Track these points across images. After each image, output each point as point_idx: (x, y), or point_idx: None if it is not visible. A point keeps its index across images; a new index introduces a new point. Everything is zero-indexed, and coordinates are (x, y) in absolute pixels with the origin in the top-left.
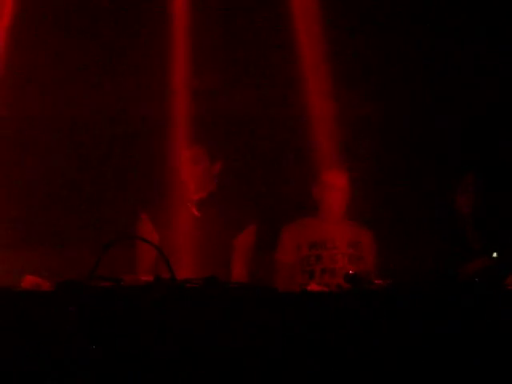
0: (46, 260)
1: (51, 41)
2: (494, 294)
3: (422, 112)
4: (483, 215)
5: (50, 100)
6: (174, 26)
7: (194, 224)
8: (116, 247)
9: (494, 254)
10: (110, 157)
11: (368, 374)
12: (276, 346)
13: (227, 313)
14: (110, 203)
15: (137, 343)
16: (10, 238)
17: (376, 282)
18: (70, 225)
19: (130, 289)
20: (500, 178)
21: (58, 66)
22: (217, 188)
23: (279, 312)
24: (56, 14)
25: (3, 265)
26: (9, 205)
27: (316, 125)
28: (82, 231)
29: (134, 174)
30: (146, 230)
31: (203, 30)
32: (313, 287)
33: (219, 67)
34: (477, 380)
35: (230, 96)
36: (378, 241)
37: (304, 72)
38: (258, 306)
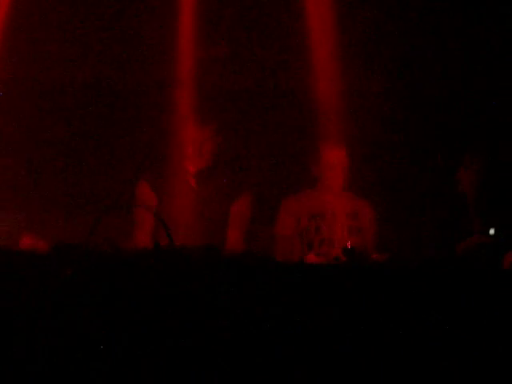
0: (45, 224)
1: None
2: (488, 272)
3: (428, 88)
4: (484, 195)
5: (51, 64)
6: None
7: (192, 194)
8: (114, 214)
9: (491, 231)
10: (111, 123)
11: (360, 346)
12: (271, 317)
13: (225, 281)
14: (110, 170)
15: (133, 310)
16: (9, 201)
17: (373, 256)
18: (69, 191)
19: (129, 254)
20: (503, 158)
21: (67, 28)
22: (216, 160)
23: (276, 281)
24: None
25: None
26: (8, 168)
27: (321, 98)
28: (83, 198)
29: (135, 141)
30: (145, 194)
31: None
32: (311, 258)
33: (226, 37)
34: (471, 359)
35: (233, 67)
36: (377, 214)
37: (313, 43)
38: (255, 275)
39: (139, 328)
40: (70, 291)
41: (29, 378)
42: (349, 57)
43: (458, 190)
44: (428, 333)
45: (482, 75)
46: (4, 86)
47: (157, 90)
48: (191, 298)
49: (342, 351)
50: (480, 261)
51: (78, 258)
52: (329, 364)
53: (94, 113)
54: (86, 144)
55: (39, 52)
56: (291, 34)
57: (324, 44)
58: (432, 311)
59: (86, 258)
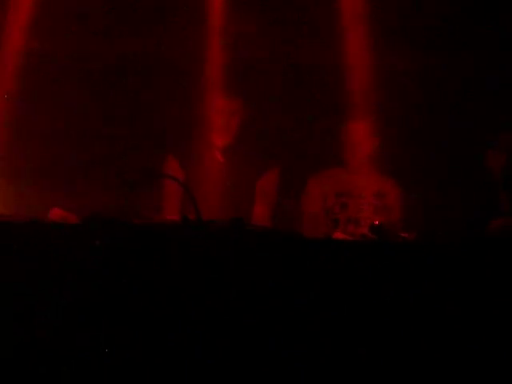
0: (72, 198)
1: None
2: None
3: (460, 70)
4: None
5: (77, 39)
6: None
7: (219, 168)
8: (142, 188)
9: None
10: (140, 99)
11: (386, 322)
12: (298, 292)
13: (252, 255)
14: (138, 146)
15: (162, 283)
16: (35, 175)
17: (402, 234)
18: (97, 166)
19: (158, 227)
20: None
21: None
22: (243, 134)
23: (303, 257)
24: None
25: (29, 200)
26: (33, 142)
27: (349, 76)
28: (110, 173)
29: (164, 116)
30: (173, 169)
31: None
32: (338, 235)
33: (255, 13)
34: (503, 338)
35: (262, 42)
36: (405, 193)
37: (343, 21)
38: (283, 250)
39: (167, 300)
40: (99, 263)
41: (57, 346)
42: (379, 34)
43: (487, 170)
44: (456, 310)
45: None
46: (35, 62)
47: (185, 64)
48: (218, 271)
49: (370, 327)
50: (508, 240)
51: (107, 230)
52: (358, 340)
53: (124, 87)
54: (114, 118)
55: (65, 28)
56: (320, 12)
57: (353, 21)
58: (461, 289)
59: (115, 230)
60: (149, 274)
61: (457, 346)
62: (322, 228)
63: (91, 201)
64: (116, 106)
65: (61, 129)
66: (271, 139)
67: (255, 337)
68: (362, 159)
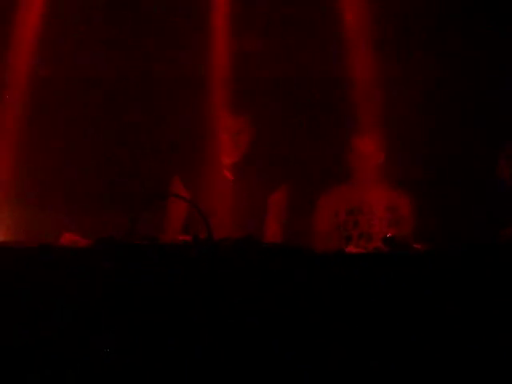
0: (83, 222)
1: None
2: None
3: (467, 77)
4: None
5: (85, 61)
6: None
7: (228, 187)
8: (149, 209)
9: None
10: (145, 118)
11: (404, 333)
12: (312, 307)
13: (264, 272)
14: (143, 166)
15: (173, 302)
16: (48, 199)
17: (415, 245)
18: (104, 188)
19: (168, 247)
20: None
21: (100, 28)
22: (251, 151)
23: (316, 273)
24: None
25: (42, 225)
26: (47, 167)
27: (355, 88)
28: (117, 194)
29: (168, 136)
30: (179, 189)
31: None
32: (351, 249)
33: (260, 29)
34: None
35: (269, 59)
36: (416, 204)
37: (347, 35)
38: (295, 267)
39: (181, 320)
40: (111, 286)
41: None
42: (384, 45)
43: (499, 177)
44: (472, 319)
45: None
46: (41, 83)
47: (192, 84)
48: (232, 290)
49: (385, 339)
50: None
51: (118, 253)
52: (374, 353)
53: (129, 108)
54: (120, 141)
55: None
56: (323, 24)
57: (358, 33)
58: (477, 298)
59: (126, 253)
60: (162, 295)
61: (473, 355)
62: (335, 245)
63: (101, 226)
64: (120, 129)
65: (70, 151)
66: (280, 156)
67: (269, 352)
68: (371, 173)
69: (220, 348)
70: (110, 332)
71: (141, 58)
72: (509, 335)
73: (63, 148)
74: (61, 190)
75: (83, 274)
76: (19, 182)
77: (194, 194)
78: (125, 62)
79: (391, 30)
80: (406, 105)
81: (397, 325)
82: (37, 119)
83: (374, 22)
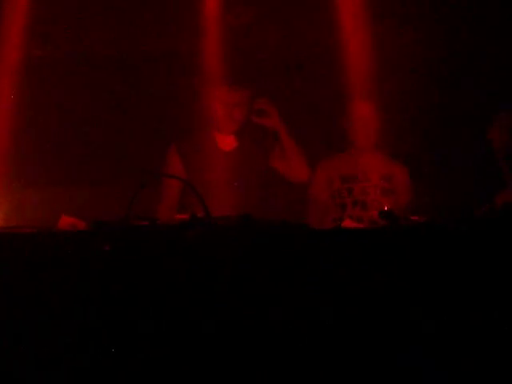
0: (80, 200)
1: None
2: None
3: (461, 47)
4: None
5: (80, 39)
6: None
7: (223, 159)
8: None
9: None
10: (141, 93)
11: (405, 309)
12: (311, 284)
13: (263, 250)
14: (140, 140)
15: (173, 282)
16: (45, 178)
17: (412, 217)
18: (102, 163)
19: (167, 227)
20: None
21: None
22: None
23: (314, 249)
24: None
25: (39, 208)
26: (44, 145)
27: (349, 58)
28: (114, 169)
29: (164, 108)
30: (174, 163)
31: None
32: (347, 223)
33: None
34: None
35: (263, 31)
36: (412, 176)
37: (339, 7)
38: (294, 244)
39: (180, 299)
40: (110, 268)
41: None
42: (379, 11)
43: (489, 145)
44: (472, 292)
45: None
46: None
47: (187, 57)
48: (228, 269)
49: (386, 315)
50: None
51: (116, 234)
52: (375, 330)
53: (128, 82)
54: (117, 116)
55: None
56: None
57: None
58: (476, 270)
59: (124, 234)
60: (162, 275)
61: (473, 328)
62: (329, 212)
63: (98, 203)
64: (116, 105)
65: (67, 130)
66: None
67: (267, 331)
68: (367, 141)
69: (221, 328)
70: (112, 315)
71: (133, 32)
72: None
73: (59, 127)
74: (58, 170)
75: (83, 258)
76: (15, 164)
77: (189, 164)
78: (118, 39)
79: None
80: (402, 76)
81: (400, 300)
82: (33, 101)
83: None
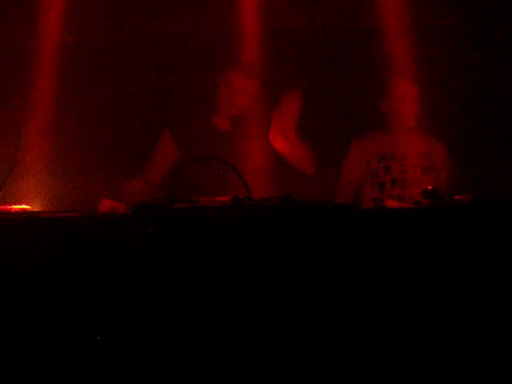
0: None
1: None
2: None
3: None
4: None
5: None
6: None
7: (220, 140)
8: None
9: None
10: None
11: (451, 286)
12: (355, 264)
13: (309, 232)
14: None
15: (215, 264)
16: (86, 165)
17: (456, 197)
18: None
19: (208, 209)
20: None
21: None
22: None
23: (358, 230)
24: None
25: (81, 192)
26: (84, 132)
27: (388, 37)
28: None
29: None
30: (166, 145)
31: None
32: (390, 203)
33: None
34: None
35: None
36: (452, 155)
37: None
38: (335, 224)
39: (227, 282)
40: (153, 251)
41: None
42: None
43: None
44: None
45: None
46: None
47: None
48: (268, 250)
49: (433, 293)
50: None
51: (159, 217)
52: (411, 313)
53: (150, 65)
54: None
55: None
56: None
57: None
58: None
59: (167, 216)
60: (205, 257)
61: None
62: (367, 192)
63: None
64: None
65: (100, 116)
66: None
67: (314, 306)
68: (406, 114)
69: (265, 310)
70: (154, 298)
71: (169, 16)
72: None
73: (95, 114)
74: (95, 156)
75: (126, 241)
76: (53, 152)
77: (183, 148)
78: (144, 25)
79: None
80: (442, 55)
81: (449, 279)
82: (69, 90)
83: None
